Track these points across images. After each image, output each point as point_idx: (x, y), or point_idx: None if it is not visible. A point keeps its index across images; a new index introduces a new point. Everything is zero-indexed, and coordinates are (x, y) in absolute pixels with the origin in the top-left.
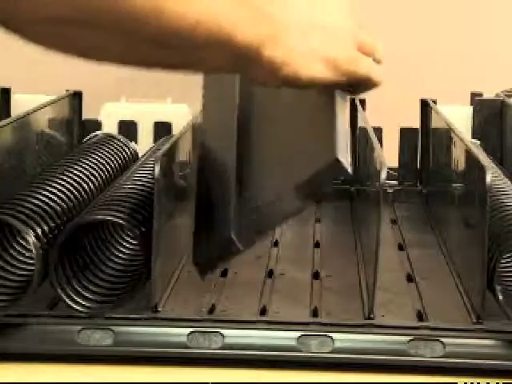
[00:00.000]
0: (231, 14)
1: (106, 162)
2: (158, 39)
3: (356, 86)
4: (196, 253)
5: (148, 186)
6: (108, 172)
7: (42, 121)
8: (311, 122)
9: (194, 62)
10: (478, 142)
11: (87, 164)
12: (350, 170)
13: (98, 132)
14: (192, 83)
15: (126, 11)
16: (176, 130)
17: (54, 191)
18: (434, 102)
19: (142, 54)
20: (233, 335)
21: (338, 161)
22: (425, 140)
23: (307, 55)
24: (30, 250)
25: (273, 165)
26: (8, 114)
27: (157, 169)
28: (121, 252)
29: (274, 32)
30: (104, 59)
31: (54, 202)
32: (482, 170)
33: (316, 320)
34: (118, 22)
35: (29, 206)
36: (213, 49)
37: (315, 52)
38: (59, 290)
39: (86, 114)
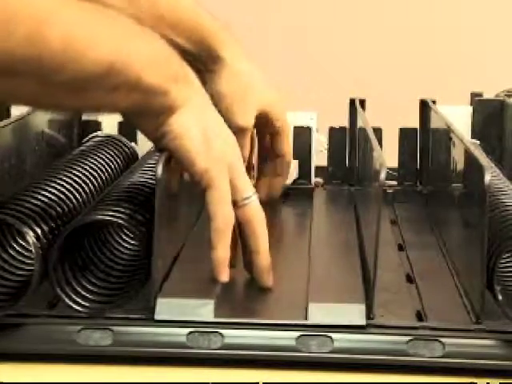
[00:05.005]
0: (141, 56)
1: (106, 162)
2: (73, 83)
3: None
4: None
5: (148, 186)
6: (108, 172)
7: (42, 121)
8: None
9: (105, 104)
10: (478, 142)
11: (87, 164)
12: None
13: (97, 132)
14: None
15: (45, 57)
16: None
17: (54, 191)
18: (434, 102)
19: (56, 99)
20: (232, 335)
21: None
22: (424, 140)
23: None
24: (29, 250)
25: None
26: (8, 114)
27: (159, 169)
28: (121, 252)
29: (183, 73)
30: (16, 103)
31: (54, 202)
32: (481, 169)
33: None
34: (36, 68)
35: (29, 206)
36: (123, 91)
37: (203, 122)
38: (59, 290)
39: (86, 115)
